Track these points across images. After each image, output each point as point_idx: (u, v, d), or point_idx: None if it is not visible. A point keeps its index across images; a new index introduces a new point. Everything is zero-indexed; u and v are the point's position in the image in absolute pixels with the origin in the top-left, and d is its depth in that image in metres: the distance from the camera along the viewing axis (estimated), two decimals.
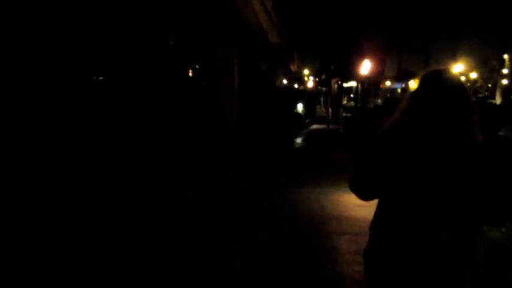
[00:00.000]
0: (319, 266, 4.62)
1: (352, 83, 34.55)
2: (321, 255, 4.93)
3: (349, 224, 6.09)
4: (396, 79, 41.99)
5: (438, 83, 2.12)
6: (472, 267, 2.02)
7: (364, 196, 2.23)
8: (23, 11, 4.22)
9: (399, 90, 42.05)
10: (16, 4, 4.16)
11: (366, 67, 21.75)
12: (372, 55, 23.80)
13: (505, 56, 38.51)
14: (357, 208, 6.56)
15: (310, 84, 38.68)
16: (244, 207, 6.87)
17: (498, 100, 31.12)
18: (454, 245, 1.98)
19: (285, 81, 27.91)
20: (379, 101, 35.02)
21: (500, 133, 10.76)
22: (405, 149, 2.05)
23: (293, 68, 29.09)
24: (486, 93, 39.10)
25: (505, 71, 36.82)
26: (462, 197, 1.99)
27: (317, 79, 36.05)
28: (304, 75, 37.10)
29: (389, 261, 2.07)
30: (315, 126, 25.78)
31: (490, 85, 41.06)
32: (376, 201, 2.19)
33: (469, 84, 43.55)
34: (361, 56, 23.17)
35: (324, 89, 33.78)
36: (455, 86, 2.12)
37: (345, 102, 36.79)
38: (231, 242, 5.26)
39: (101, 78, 5.86)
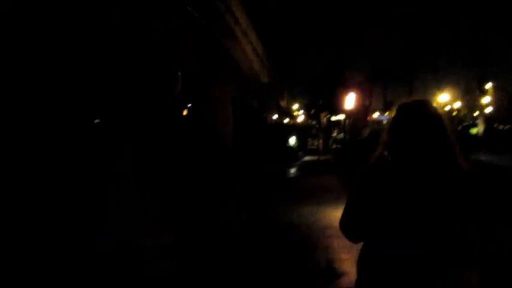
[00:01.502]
0: (315, 255, 6.46)
1: (341, 116, 35.84)
2: (316, 249, 6.76)
3: (337, 231, 7.32)
4: (383, 111, 43.16)
5: (412, 114, 2.09)
6: None
7: (352, 238, 2.20)
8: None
9: (385, 122, 42.80)
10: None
11: (350, 101, 23.07)
12: (357, 89, 25.13)
13: (488, 85, 40.00)
14: None
15: (300, 118, 39.91)
16: (254, 223, 8.23)
17: (481, 128, 32.24)
18: (442, 282, 1.92)
19: (275, 117, 29.10)
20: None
21: (471, 157, 11.97)
22: (390, 184, 2.01)
23: (283, 103, 30.35)
24: (470, 122, 40.25)
25: (487, 99, 38.14)
26: (450, 231, 1.94)
27: (307, 113, 37.36)
28: (293, 110, 38.37)
29: None
30: (307, 158, 26.85)
31: (475, 113, 42.18)
32: None
33: (454, 113, 44.78)
34: (347, 90, 24.48)
35: (314, 122, 35.07)
36: (430, 116, 2.07)
37: (334, 134, 37.97)
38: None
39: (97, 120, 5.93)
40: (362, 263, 2.15)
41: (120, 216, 4.30)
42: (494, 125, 32.62)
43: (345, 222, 2.19)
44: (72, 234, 4.04)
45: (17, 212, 3.89)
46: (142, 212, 4.50)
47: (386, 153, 2.11)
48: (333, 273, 5.51)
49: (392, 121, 2.14)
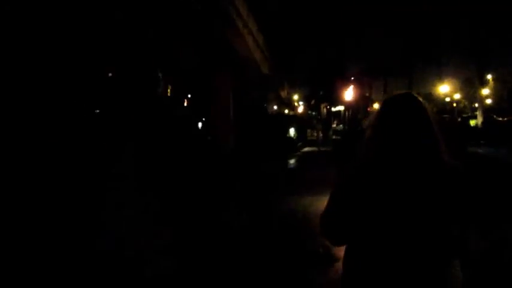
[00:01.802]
0: (313, 243, 6.47)
1: (341, 107, 35.88)
2: (314, 237, 6.69)
3: None
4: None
5: (397, 109, 1.99)
6: None
7: (335, 241, 2.11)
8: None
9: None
10: None
11: (350, 93, 23.08)
12: (357, 80, 25.15)
13: (488, 76, 39.98)
14: None
15: (300, 109, 39.89)
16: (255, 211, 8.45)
17: (480, 120, 32.28)
18: (429, 281, 1.87)
19: (275, 107, 29.10)
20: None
21: (468, 149, 12.06)
22: (375, 181, 1.92)
23: (283, 94, 30.32)
24: (469, 114, 40.27)
25: (486, 90, 38.12)
26: (437, 227, 1.88)
27: (307, 104, 37.38)
28: (294, 101, 38.34)
29: None
30: (306, 148, 26.89)
31: (476, 105, 42.18)
32: None
33: (455, 105, 44.74)
34: (347, 82, 24.50)
35: (314, 113, 35.10)
36: (416, 110, 1.98)
37: (334, 125, 37.99)
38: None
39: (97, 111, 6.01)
40: (349, 263, 2.06)
41: (120, 216, 4.34)
42: (493, 117, 32.68)
43: (327, 222, 2.04)
44: (72, 234, 4.07)
45: (17, 211, 3.91)
46: (142, 212, 4.55)
47: (371, 149, 1.99)
48: (330, 259, 5.68)
49: (377, 116, 2.02)
